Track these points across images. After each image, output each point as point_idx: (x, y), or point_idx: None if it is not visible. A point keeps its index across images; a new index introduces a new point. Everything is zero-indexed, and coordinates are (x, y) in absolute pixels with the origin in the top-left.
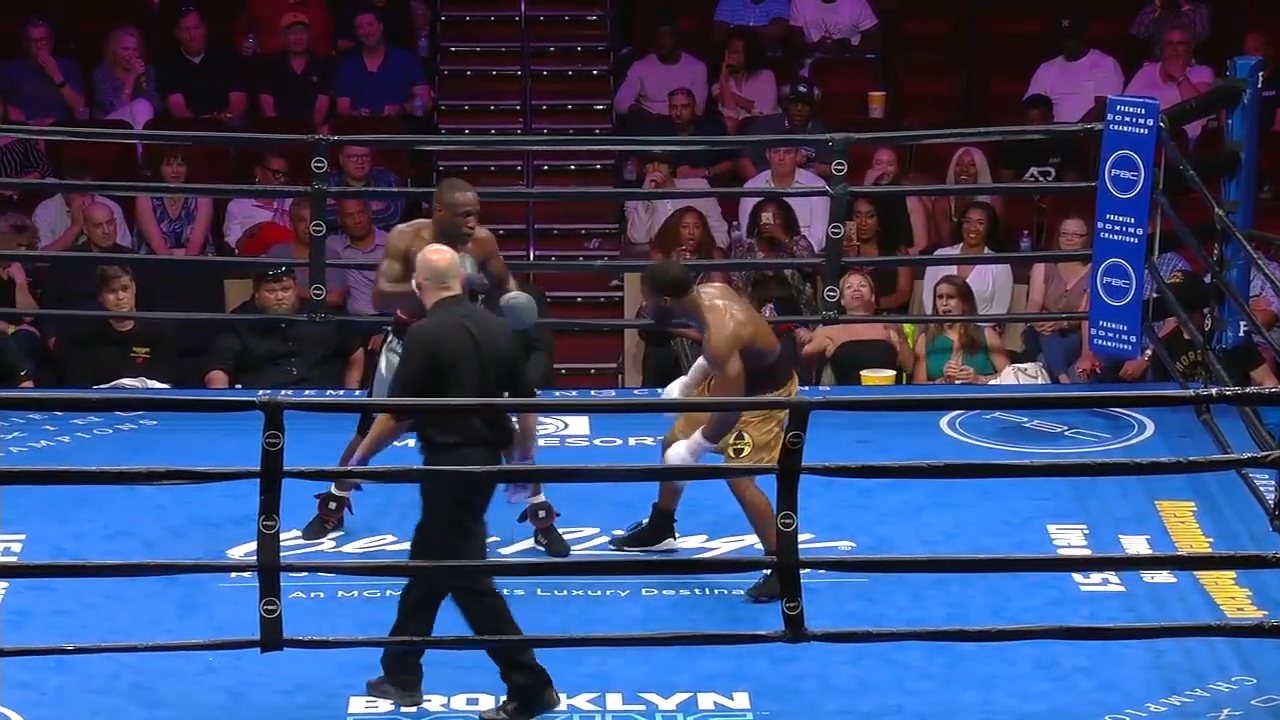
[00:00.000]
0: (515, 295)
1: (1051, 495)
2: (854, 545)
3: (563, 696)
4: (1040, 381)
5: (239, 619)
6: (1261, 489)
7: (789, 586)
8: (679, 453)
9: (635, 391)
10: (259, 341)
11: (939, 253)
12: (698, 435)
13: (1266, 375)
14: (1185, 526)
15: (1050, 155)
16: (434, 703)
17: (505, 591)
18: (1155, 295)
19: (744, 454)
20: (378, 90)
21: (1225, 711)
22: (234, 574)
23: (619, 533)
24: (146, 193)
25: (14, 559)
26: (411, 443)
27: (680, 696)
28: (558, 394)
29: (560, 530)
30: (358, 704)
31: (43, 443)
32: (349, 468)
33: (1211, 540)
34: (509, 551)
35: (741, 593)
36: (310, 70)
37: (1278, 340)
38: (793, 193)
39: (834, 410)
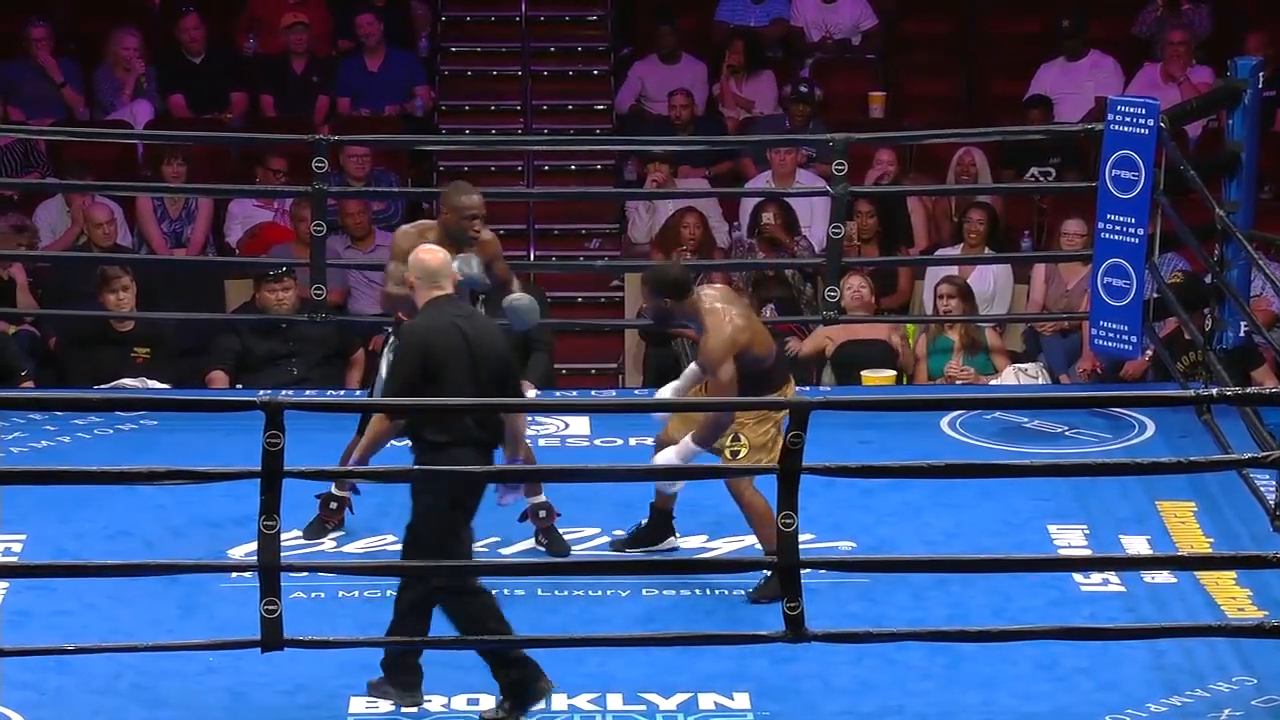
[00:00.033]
0: (518, 297)
1: (1052, 495)
2: (855, 545)
3: (563, 697)
4: (1041, 382)
5: (240, 619)
6: (1262, 489)
7: (790, 587)
8: (668, 457)
9: (636, 392)
10: (259, 342)
11: (939, 253)
12: (687, 440)
13: (1267, 375)
14: (1186, 527)
15: (1051, 155)
16: (434, 703)
17: (506, 592)
18: (1156, 295)
19: (741, 456)
20: (378, 90)
21: (1226, 712)
22: (235, 574)
23: (619, 534)
24: (147, 193)
25: (15, 559)
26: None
27: (681, 697)
28: (558, 394)
29: (561, 530)
30: (358, 704)
31: (43, 443)
32: (350, 468)
33: (1212, 540)
34: (509, 551)
35: (742, 593)
36: (311, 70)
37: (1278, 340)
38: (793, 193)
39: (835, 410)
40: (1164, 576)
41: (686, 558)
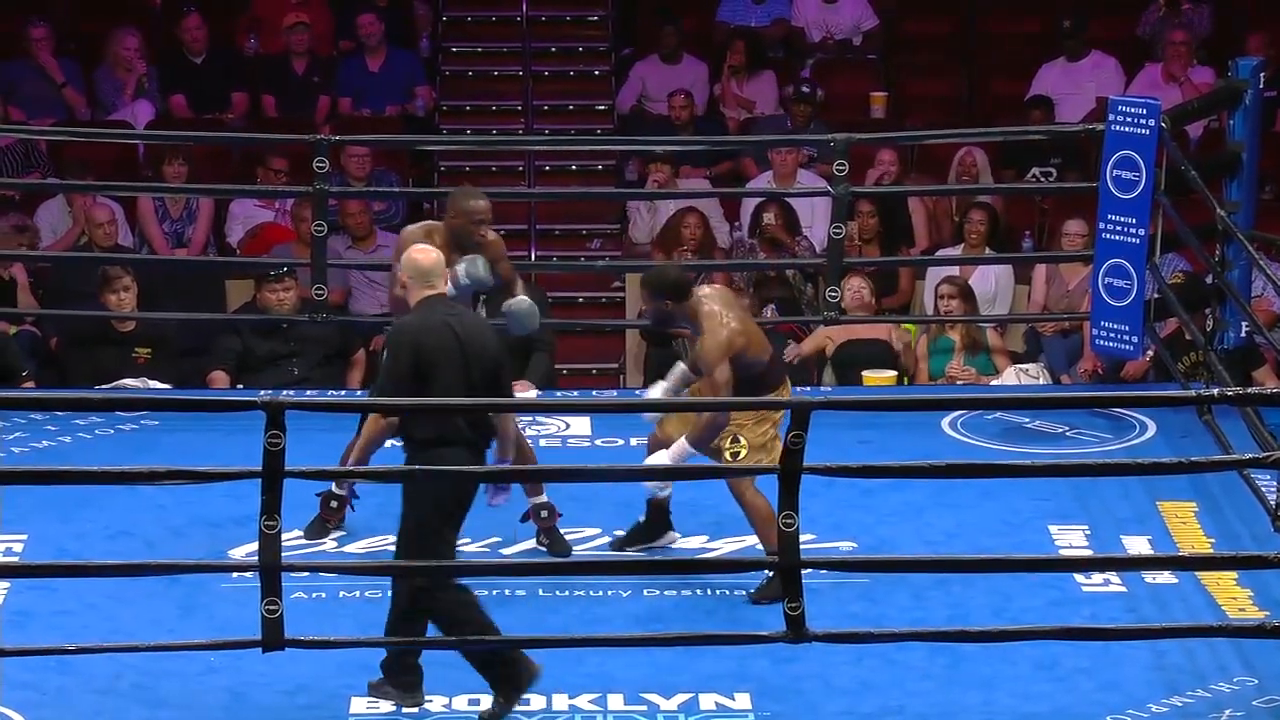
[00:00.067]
0: (517, 301)
1: (1053, 496)
2: (855, 545)
3: (564, 697)
4: (1042, 382)
5: (240, 619)
6: (1263, 489)
7: (791, 587)
8: (662, 459)
9: (637, 392)
10: (260, 342)
11: (940, 253)
12: (682, 441)
13: (1268, 376)
14: (1187, 527)
15: (1052, 156)
16: (436, 703)
17: (507, 592)
18: (1157, 296)
19: (741, 457)
20: (379, 90)
21: (1227, 712)
22: (235, 574)
23: (620, 534)
24: (148, 193)
25: (16, 559)
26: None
27: (682, 697)
28: (559, 394)
29: (562, 530)
30: (359, 704)
31: (44, 443)
32: (352, 468)
33: (1213, 541)
34: (511, 552)
35: (743, 593)
36: (312, 70)
37: (1279, 341)
38: (794, 193)
39: (835, 410)
40: (1165, 577)
41: (687, 558)
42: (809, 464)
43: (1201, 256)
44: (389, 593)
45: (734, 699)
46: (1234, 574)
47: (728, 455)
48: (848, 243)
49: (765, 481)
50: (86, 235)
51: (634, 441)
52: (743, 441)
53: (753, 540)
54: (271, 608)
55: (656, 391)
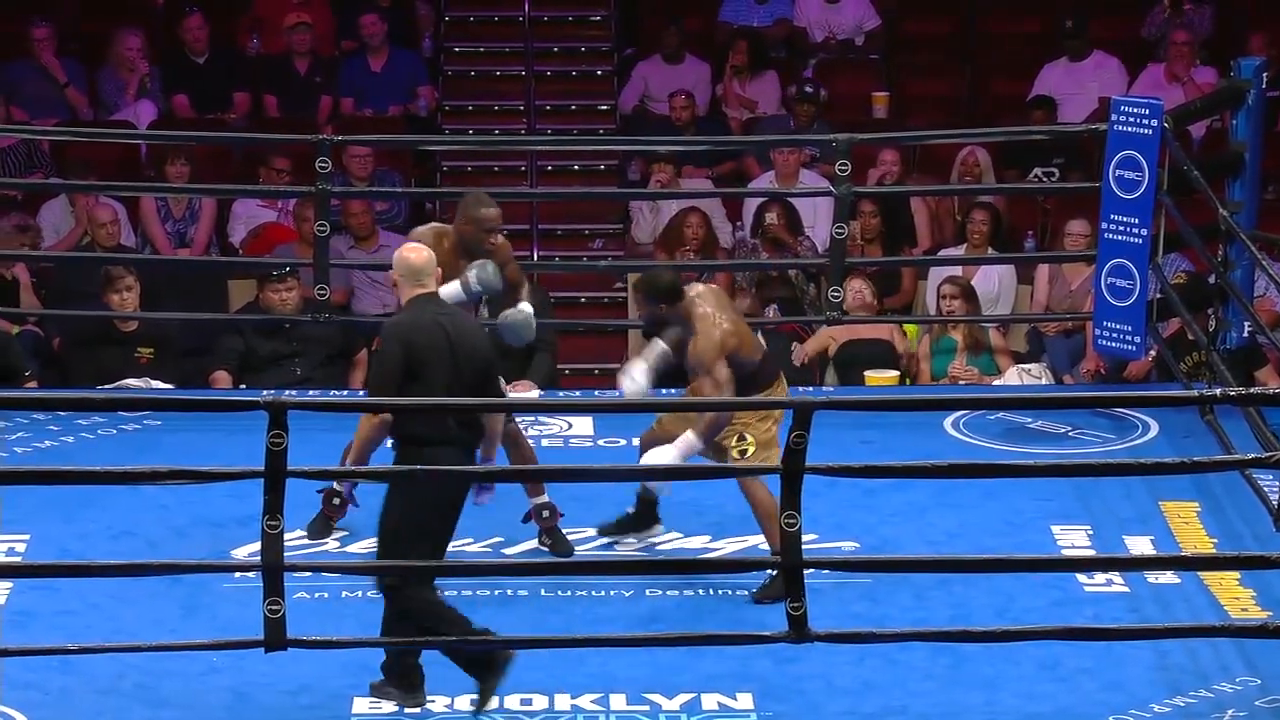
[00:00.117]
0: (512, 312)
1: (1055, 496)
2: (858, 545)
3: (566, 697)
4: (1044, 382)
5: (243, 619)
6: (1265, 490)
7: (793, 587)
8: (668, 453)
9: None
10: (263, 342)
11: (943, 253)
12: (690, 435)
13: (1270, 376)
14: (1189, 527)
15: (1054, 156)
16: (438, 703)
17: (509, 592)
18: (1159, 296)
19: (749, 454)
20: (381, 90)
21: (1229, 712)
22: (238, 574)
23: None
24: (151, 193)
25: (18, 559)
26: None
27: (684, 697)
28: (562, 394)
29: (564, 530)
30: (361, 704)
31: (47, 443)
32: (354, 468)
33: (1215, 541)
34: (513, 552)
35: (745, 593)
36: (314, 71)
37: None
38: (797, 193)
39: (838, 410)
40: (1167, 577)
41: (689, 558)
42: (811, 464)
43: (1204, 256)
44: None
45: (736, 699)
46: (1236, 574)
47: (735, 453)
48: (850, 243)
49: (770, 481)
50: (89, 235)
51: (636, 441)
52: (749, 439)
53: (754, 540)
54: (274, 608)
55: (637, 368)
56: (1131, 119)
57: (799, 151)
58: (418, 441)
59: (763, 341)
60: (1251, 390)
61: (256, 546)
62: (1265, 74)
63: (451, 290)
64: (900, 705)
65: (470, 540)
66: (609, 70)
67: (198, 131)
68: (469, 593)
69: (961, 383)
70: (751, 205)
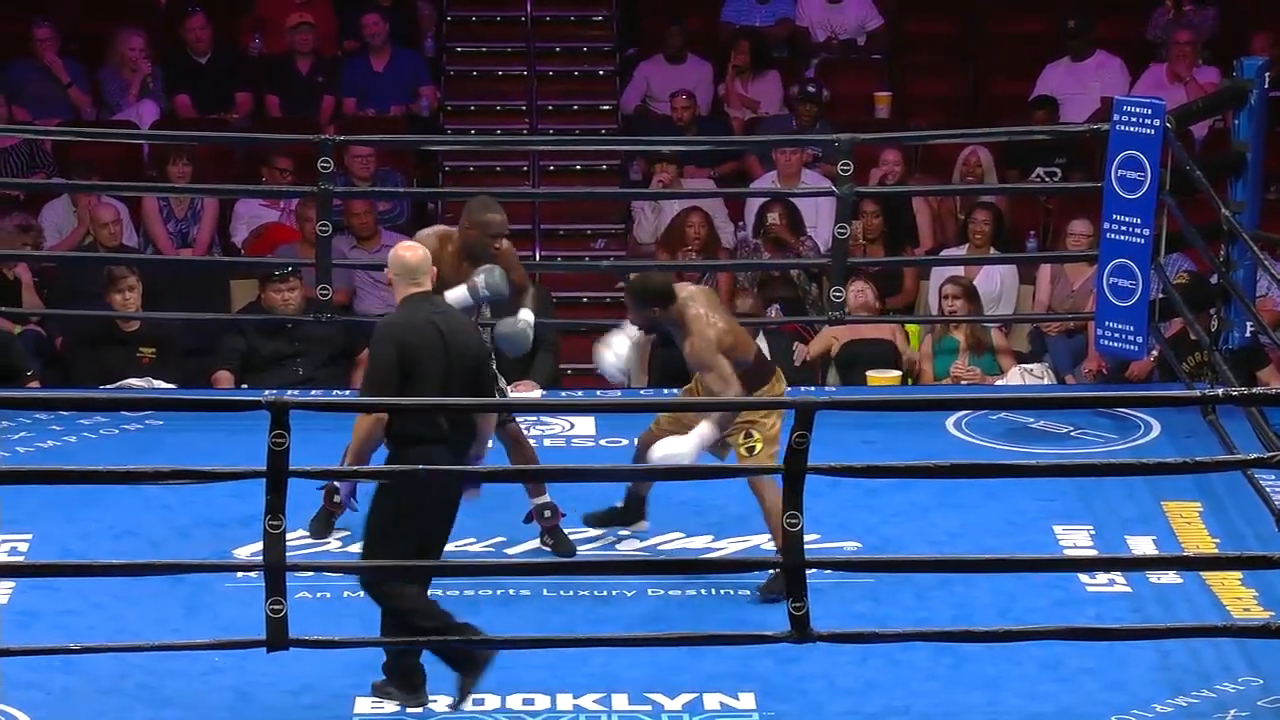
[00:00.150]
0: (508, 322)
1: (1057, 496)
2: (860, 545)
3: (569, 696)
4: (1046, 382)
5: (245, 619)
6: (1268, 490)
7: (795, 587)
8: (690, 442)
9: (641, 392)
10: (265, 342)
11: (945, 253)
12: (705, 425)
13: (1273, 376)
14: (1191, 527)
15: (1057, 156)
16: (440, 703)
17: (511, 592)
18: (1161, 296)
19: (757, 450)
20: (383, 90)
21: (1231, 712)
22: (240, 574)
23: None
24: (153, 193)
25: (20, 559)
26: None
27: (686, 697)
28: (564, 394)
29: (566, 530)
30: (363, 704)
31: (49, 443)
32: (356, 468)
33: (1218, 541)
34: (515, 551)
35: (747, 592)
36: (316, 70)
37: None
38: (799, 193)
39: (840, 410)
40: (1170, 577)
41: (692, 558)
42: (814, 464)
43: (1206, 256)
44: None
45: (738, 699)
46: (1239, 574)
47: (743, 450)
48: (852, 243)
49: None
50: (91, 235)
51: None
52: (756, 436)
53: (756, 540)
54: (276, 607)
55: (621, 340)
56: (1134, 119)
57: (801, 151)
58: (410, 441)
59: (760, 342)
60: (1254, 390)
61: (259, 546)
62: (1268, 74)
63: (459, 295)
64: (902, 705)
65: (472, 540)
66: (611, 70)
67: (200, 131)
68: (471, 592)
69: (963, 383)
70: (753, 205)
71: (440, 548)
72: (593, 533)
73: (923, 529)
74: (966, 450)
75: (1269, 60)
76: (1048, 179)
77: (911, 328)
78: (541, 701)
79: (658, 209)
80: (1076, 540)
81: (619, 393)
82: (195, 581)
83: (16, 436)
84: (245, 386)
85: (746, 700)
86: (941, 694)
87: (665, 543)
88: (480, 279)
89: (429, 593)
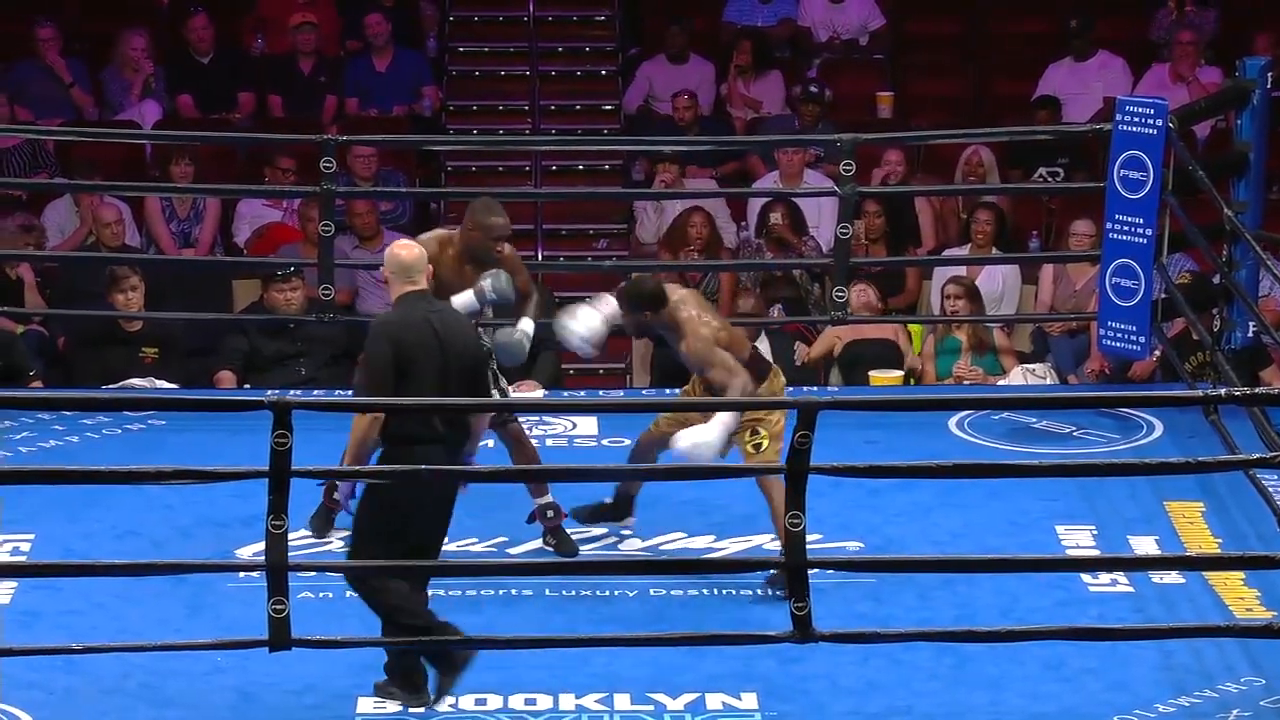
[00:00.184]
0: (508, 331)
1: (1060, 496)
2: (862, 545)
3: (571, 696)
4: (1049, 382)
5: (247, 619)
6: (1270, 490)
7: (797, 586)
8: (714, 430)
9: (644, 391)
10: (267, 342)
11: (947, 253)
12: (725, 414)
13: (1275, 376)
14: (1194, 527)
15: (1059, 156)
16: (442, 703)
17: (513, 592)
18: (1164, 296)
19: (764, 447)
20: (386, 90)
21: (1234, 712)
22: (242, 574)
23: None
24: (155, 193)
25: (23, 558)
26: None
27: (688, 697)
28: (566, 394)
29: (568, 530)
30: (366, 704)
31: (51, 442)
32: (357, 468)
33: (1220, 541)
34: (517, 551)
35: (750, 592)
36: (318, 70)
37: None
38: (801, 193)
39: (842, 410)
40: (1172, 577)
41: (694, 558)
42: (816, 464)
43: (1209, 256)
44: None
45: (740, 699)
46: (1241, 574)
47: (749, 447)
48: (854, 243)
49: None
50: (94, 235)
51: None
52: (762, 433)
53: (759, 540)
54: (278, 607)
55: (589, 313)
56: (1136, 119)
57: (803, 151)
58: (407, 441)
59: (762, 342)
60: (1256, 390)
61: (261, 546)
62: (1270, 74)
63: (465, 300)
64: (905, 705)
65: (475, 540)
66: (613, 70)
67: (202, 131)
68: (473, 592)
69: (966, 383)
70: (756, 205)
71: (437, 547)
72: (595, 532)
73: (925, 529)
74: (969, 450)
75: (1271, 60)
76: (1050, 179)
77: (914, 328)
78: (544, 701)
79: (660, 209)
80: (1079, 540)
81: (621, 393)
82: (197, 581)
83: (19, 436)
84: (248, 386)
85: (749, 700)
86: (944, 694)
87: (667, 543)
88: (487, 283)
89: (427, 592)
